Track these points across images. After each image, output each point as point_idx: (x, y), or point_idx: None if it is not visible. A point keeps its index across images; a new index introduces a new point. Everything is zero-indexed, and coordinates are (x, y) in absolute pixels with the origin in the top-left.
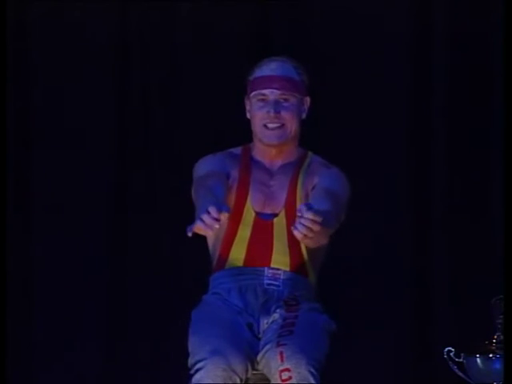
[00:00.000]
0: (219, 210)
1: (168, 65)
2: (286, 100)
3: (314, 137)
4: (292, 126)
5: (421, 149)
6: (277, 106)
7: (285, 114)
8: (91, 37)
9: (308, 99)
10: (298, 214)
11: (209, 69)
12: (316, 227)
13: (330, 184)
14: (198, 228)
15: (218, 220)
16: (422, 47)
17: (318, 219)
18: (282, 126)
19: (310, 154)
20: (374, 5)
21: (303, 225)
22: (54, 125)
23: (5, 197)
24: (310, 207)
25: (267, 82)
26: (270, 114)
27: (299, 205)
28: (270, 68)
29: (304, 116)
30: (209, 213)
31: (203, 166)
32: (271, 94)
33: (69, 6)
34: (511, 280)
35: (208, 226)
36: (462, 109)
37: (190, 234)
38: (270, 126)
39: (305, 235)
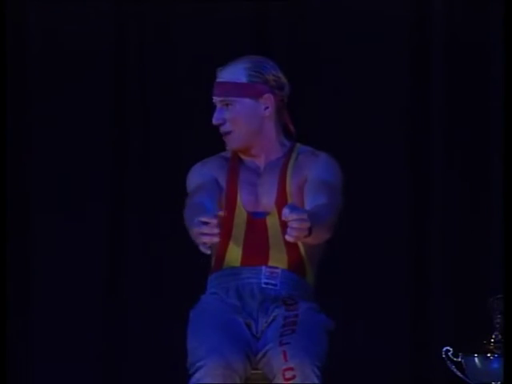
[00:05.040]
0: (212, 215)
1: (167, 64)
2: (229, 105)
3: (312, 135)
4: (241, 129)
5: (420, 145)
6: (218, 113)
7: (229, 120)
8: (90, 37)
9: (268, 96)
10: (283, 218)
11: (208, 68)
12: (305, 225)
13: (320, 174)
14: (204, 242)
15: (216, 225)
16: (421, 46)
17: (304, 216)
18: (230, 132)
19: (297, 145)
20: (374, 4)
21: (292, 228)
22: (53, 125)
23: (4, 197)
24: (292, 208)
25: (214, 88)
26: (213, 122)
27: (283, 209)
28: (221, 74)
29: (267, 113)
30: (203, 223)
31: (191, 180)
32: (215, 101)
33: (67, 7)
34: (510, 279)
35: (211, 235)
36: (462, 106)
37: (208, 251)
38: (221, 132)
39: (298, 237)
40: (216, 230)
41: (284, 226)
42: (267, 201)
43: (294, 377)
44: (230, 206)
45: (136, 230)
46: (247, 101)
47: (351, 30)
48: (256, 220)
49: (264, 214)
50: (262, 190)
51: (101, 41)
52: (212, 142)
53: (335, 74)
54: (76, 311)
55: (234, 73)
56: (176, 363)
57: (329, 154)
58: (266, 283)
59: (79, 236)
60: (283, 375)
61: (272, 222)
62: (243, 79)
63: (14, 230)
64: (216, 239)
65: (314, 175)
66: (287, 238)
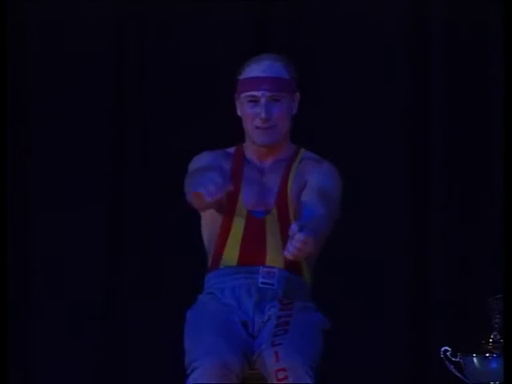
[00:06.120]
0: (224, 185)
1: (166, 64)
2: (276, 101)
3: (311, 135)
4: (283, 126)
5: (419, 145)
6: (268, 108)
7: (276, 115)
8: (90, 37)
9: (298, 94)
10: (290, 234)
11: (208, 68)
12: (308, 248)
13: (321, 181)
14: (200, 194)
15: (221, 192)
16: (421, 46)
17: (310, 240)
18: (274, 126)
19: (302, 150)
20: (374, 4)
21: (294, 247)
22: (53, 125)
23: (4, 197)
24: (302, 227)
25: (258, 83)
26: (262, 117)
27: (292, 225)
28: (260, 68)
29: (295, 111)
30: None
31: (198, 162)
32: (262, 95)
33: (67, 7)
34: (510, 279)
35: (211, 194)
36: (462, 106)
37: (210, 200)
38: (261, 127)
39: (297, 256)
40: (218, 196)
41: (284, 225)
42: (268, 200)
43: (286, 377)
44: (231, 203)
45: (136, 230)
46: (289, 97)
47: (351, 30)
48: (255, 219)
49: (264, 213)
50: (264, 188)
51: (101, 40)
52: (212, 141)
53: (335, 74)
54: (76, 311)
55: (277, 69)
56: (175, 363)
57: (332, 164)
58: (263, 283)
59: (79, 236)
60: (276, 376)
61: (271, 221)
62: (286, 76)
63: (13, 229)
64: (209, 200)
65: (314, 181)
66: (285, 253)
